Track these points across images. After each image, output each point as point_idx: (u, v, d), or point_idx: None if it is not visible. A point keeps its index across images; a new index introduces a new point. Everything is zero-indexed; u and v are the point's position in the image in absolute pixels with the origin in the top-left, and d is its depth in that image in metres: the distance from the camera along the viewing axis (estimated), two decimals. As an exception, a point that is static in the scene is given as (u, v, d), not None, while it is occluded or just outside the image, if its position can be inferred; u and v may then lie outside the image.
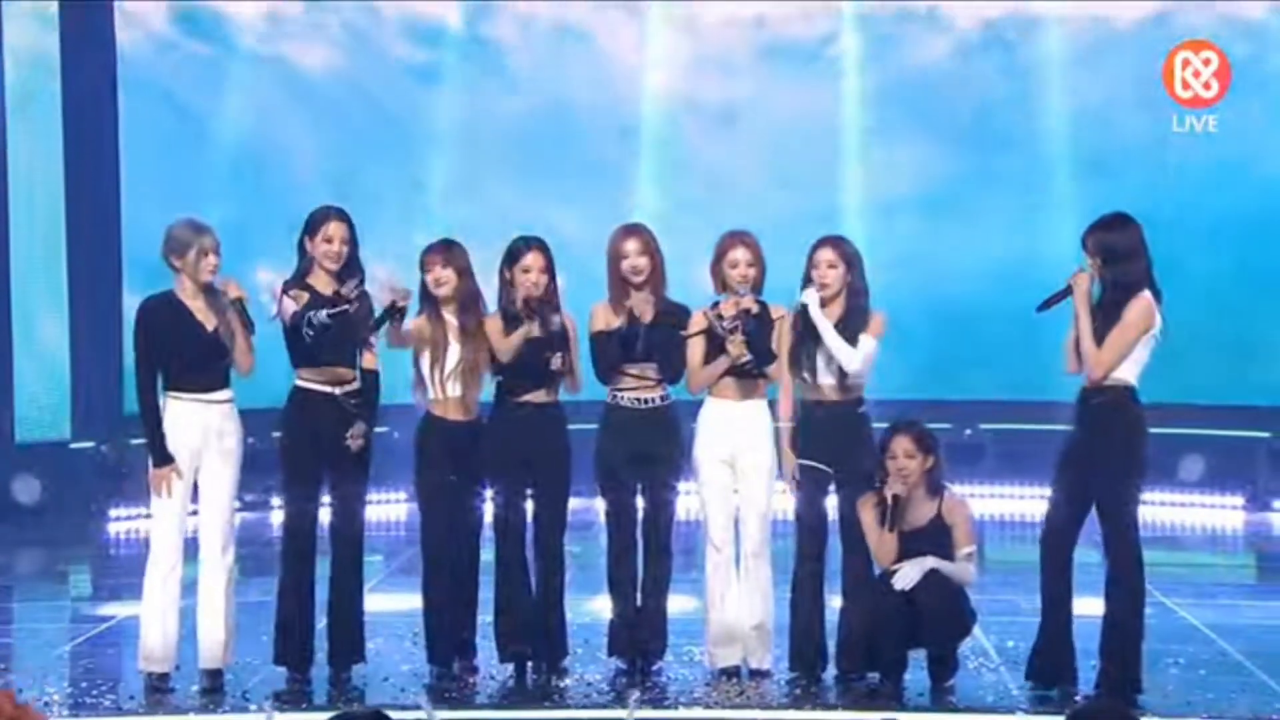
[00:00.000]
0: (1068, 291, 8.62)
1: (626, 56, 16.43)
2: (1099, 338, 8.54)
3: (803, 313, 8.96)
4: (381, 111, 16.16)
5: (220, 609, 8.87)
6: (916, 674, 8.94)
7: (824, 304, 8.95)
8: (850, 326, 8.90)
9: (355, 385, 9.08)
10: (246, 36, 15.89)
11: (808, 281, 8.97)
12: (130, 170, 15.29)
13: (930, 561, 8.74)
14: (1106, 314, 8.58)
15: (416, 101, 16.26)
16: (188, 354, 8.79)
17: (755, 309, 8.98)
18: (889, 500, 8.76)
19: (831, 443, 8.94)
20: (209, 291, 8.84)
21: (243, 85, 15.79)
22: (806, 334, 8.94)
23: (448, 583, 9.10)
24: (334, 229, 9.08)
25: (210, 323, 8.83)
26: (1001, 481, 15.21)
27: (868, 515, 8.86)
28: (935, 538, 8.82)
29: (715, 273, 9.11)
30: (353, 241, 9.11)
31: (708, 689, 8.92)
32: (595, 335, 9.15)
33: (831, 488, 9.02)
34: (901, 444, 8.80)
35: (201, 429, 8.81)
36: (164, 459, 8.77)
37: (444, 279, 9.09)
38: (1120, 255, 8.57)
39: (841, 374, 8.90)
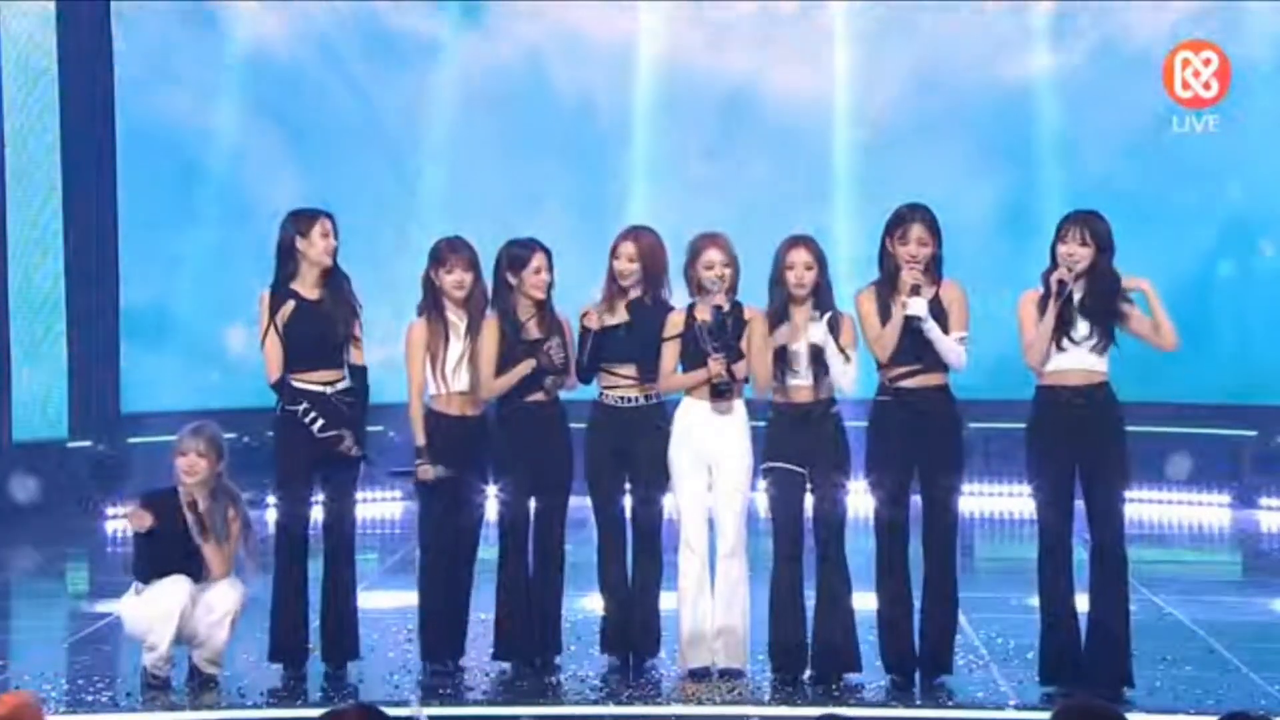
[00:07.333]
0: (1072, 286, 8.60)
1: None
2: (1099, 330, 8.56)
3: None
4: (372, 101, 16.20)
5: (230, 621, 8.97)
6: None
7: (798, 304, 8.92)
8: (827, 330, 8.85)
9: (346, 383, 9.17)
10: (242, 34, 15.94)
11: (777, 282, 8.92)
12: (128, 169, 15.32)
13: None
14: (1100, 304, 8.62)
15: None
16: (169, 553, 8.93)
17: (726, 306, 8.95)
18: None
19: (804, 443, 8.89)
20: (215, 497, 9.00)
21: (237, 86, 15.85)
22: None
23: (443, 578, 9.15)
24: (327, 224, 9.18)
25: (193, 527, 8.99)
26: (988, 480, 15.25)
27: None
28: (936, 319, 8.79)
29: (689, 275, 9.11)
30: (336, 238, 9.22)
31: (701, 685, 8.95)
32: (586, 331, 9.17)
33: (808, 487, 8.94)
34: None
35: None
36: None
37: (466, 281, 9.16)
38: (1110, 246, 8.64)
39: (816, 380, 8.86)
